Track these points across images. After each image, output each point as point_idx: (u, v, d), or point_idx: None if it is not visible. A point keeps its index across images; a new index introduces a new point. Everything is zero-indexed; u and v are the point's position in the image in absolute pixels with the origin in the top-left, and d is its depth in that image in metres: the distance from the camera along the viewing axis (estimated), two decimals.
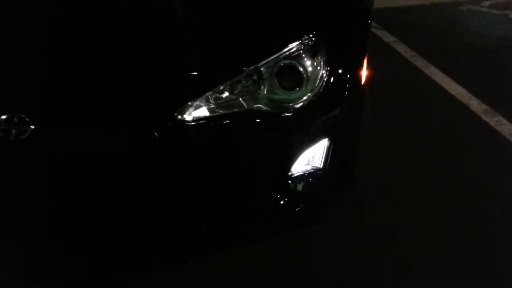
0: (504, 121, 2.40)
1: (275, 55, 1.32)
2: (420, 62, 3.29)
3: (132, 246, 1.47)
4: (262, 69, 1.31)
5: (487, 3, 4.51)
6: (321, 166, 1.43)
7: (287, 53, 1.33)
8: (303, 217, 1.48)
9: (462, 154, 2.19)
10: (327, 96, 1.35)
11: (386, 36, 3.89)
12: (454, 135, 2.34)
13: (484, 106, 2.57)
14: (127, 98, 1.29)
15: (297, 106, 1.33)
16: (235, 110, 1.30)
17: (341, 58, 1.41)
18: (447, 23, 4.08)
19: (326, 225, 1.69)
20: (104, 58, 1.33)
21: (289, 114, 1.32)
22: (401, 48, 3.61)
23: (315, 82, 1.34)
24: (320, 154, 1.42)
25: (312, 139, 1.38)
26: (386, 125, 2.40)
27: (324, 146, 1.41)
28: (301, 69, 1.32)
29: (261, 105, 1.32)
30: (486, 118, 2.46)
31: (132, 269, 1.59)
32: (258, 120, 1.31)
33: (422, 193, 1.93)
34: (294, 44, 1.33)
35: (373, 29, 3.80)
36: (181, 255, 1.58)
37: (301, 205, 1.44)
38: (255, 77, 1.31)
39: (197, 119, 1.28)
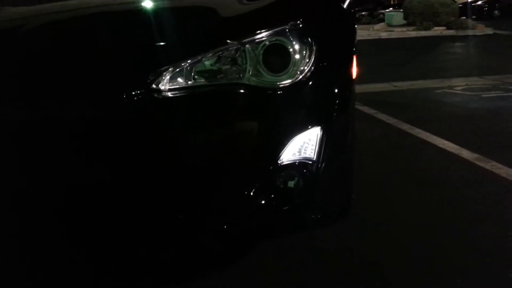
0: (500, 165, 2.30)
1: (262, 34, 1.22)
2: (404, 126, 3.28)
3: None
4: (247, 46, 1.21)
5: (460, 88, 4.77)
6: (313, 158, 1.23)
7: (274, 32, 1.24)
8: (291, 218, 1.23)
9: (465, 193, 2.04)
10: (316, 79, 1.23)
11: (368, 109, 3.96)
12: (453, 179, 2.21)
13: (476, 155, 2.49)
14: (95, 66, 1.14)
15: (283, 84, 1.19)
16: (215, 82, 1.16)
17: (330, 46, 1.32)
18: (425, 101, 4.24)
19: None
20: (73, 25, 1.22)
21: (275, 91, 1.18)
22: (384, 117, 3.65)
23: (302, 64, 1.23)
24: (312, 144, 1.24)
25: (302, 124, 1.22)
26: (384, 175, 2.30)
27: (317, 136, 1.24)
28: (289, 49, 1.22)
29: (245, 81, 1.18)
30: (480, 164, 2.36)
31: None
32: (241, 95, 1.16)
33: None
34: (282, 25, 1.25)
35: None
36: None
37: (290, 203, 1.20)
38: (238, 54, 1.20)
39: (172, 89, 1.13)
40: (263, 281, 1.49)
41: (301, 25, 1.25)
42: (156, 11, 1.29)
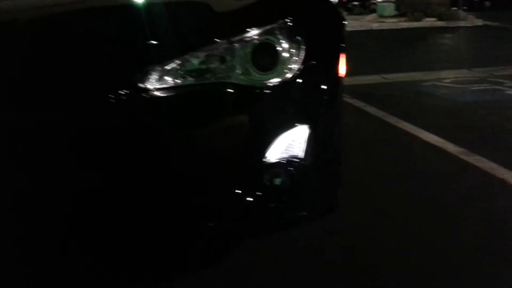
0: (484, 159, 2.35)
1: (250, 33, 1.24)
2: (391, 119, 3.33)
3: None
4: (235, 44, 1.22)
5: (448, 80, 4.83)
6: (301, 156, 1.26)
7: (263, 31, 1.25)
8: (277, 216, 1.26)
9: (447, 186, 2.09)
10: (304, 77, 1.25)
11: (356, 102, 3.99)
12: (437, 173, 2.26)
13: (461, 149, 2.54)
14: (81, 65, 1.15)
15: (272, 82, 1.21)
16: (204, 81, 1.17)
17: (319, 45, 1.34)
18: (414, 93, 4.29)
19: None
20: (57, 23, 1.22)
21: (264, 90, 1.20)
22: (372, 110, 3.69)
23: (291, 63, 1.25)
24: (300, 142, 1.26)
25: (290, 122, 1.24)
26: (368, 168, 2.33)
27: (304, 134, 1.27)
28: (277, 47, 1.24)
29: (233, 80, 1.20)
30: (464, 157, 2.41)
31: None
32: (230, 94, 1.18)
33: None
34: (271, 24, 1.26)
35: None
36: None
37: (277, 201, 1.23)
38: (227, 52, 1.21)
39: (160, 89, 1.14)
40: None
41: (290, 24, 1.26)
42: (143, 9, 1.29)
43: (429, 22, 12.76)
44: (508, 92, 4.16)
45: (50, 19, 1.34)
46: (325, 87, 1.32)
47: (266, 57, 1.23)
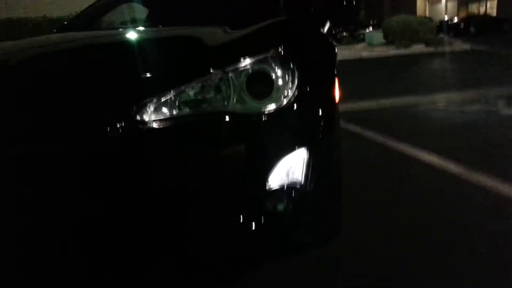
0: (485, 177, 2.33)
1: (244, 62, 1.25)
2: (390, 142, 3.32)
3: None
4: (230, 74, 1.23)
5: (442, 103, 4.88)
6: (301, 181, 1.24)
7: (257, 60, 1.26)
8: (281, 243, 1.22)
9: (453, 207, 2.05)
10: (299, 103, 1.25)
11: (353, 127, 4.00)
12: (440, 194, 2.23)
13: (462, 168, 2.53)
14: (78, 99, 1.15)
15: (268, 110, 1.21)
16: (200, 112, 1.17)
17: (312, 71, 1.35)
18: (410, 117, 4.30)
19: None
20: (56, 59, 1.22)
21: (260, 117, 1.20)
22: (369, 134, 3.69)
23: (286, 89, 1.25)
24: (299, 167, 1.25)
25: (288, 148, 1.23)
26: (369, 192, 2.30)
27: (303, 159, 1.25)
28: (271, 75, 1.25)
29: (229, 109, 1.19)
30: (466, 177, 2.39)
31: None
32: (226, 123, 1.17)
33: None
34: (264, 53, 1.28)
35: None
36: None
37: (278, 228, 1.20)
38: (222, 82, 1.22)
39: (157, 120, 1.13)
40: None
41: (282, 52, 1.28)
42: (138, 43, 1.31)
43: (417, 48, 13.08)
44: (502, 112, 4.20)
45: (49, 56, 1.36)
46: (321, 112, 1.32)
47: (260, 85, 1.24)
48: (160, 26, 1.74)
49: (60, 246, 1.10)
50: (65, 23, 2.68)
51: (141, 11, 2.69)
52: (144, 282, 1.14)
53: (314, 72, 1.35)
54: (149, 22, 2.33)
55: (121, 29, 1.82)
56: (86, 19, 2.57)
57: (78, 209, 1.09)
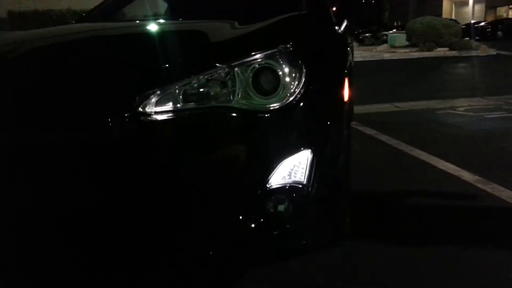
0: (501, 187, 2.25)
1: (251, 57, 1.22)
2: (405, 147, 3.25)
3: None
4: (236, 69, 1.21)
5: (462, 109, 4.75)
6: (304, 181, 1.21)
7: (264, 56, 1.24)
8: (281, 244, 1.20)
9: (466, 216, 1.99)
10: (306, 101, 1.22)
11: (369, 130, 3.94)
12: (454, 202, 2.17)
13: (477, 177, 2.45)
14: (81, 89, 1.15)
15: (273, 106, 1.19)
16: (204, 105, 1.15)
17: (320, 69, 1.32)
18: (427, 121, 4.21)
19: None
20: (59, 50, 1.23)
21: (265, 114, 1.17)
22: (385, 138, 3.62)
23: (292, 87, 1.22)
24: (302, 167, 1.22)
25: (292, 147, 1.20)
26: (382, 197, 2.25)
27: (307, 159, 1.22)
28: (278, 72, 1.22)
29: (234, 104, 1.18)
30: (481, 186, 2.32)
31: None
32: (230, 118, 1.15)
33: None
34: (272, 48, 1.25)
35: (354, 125, 3.90)
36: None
37: (280, 228, 1.18)
38: (228, 77, 1.20)
39: (160, 112, 1.12)
40: None
41: (291, 48, 1.25)
42: (147, 35, 1.30)
43: (441, 52, 12.81)
44: None
45: (59, 45, 1.37)
46: (328, 111, 1.29)
47: (267, 81, 1.21)
48: (171, 20, 1.75)
49: (58, 241, 1.10)
50: (83, 14, 2.71)
51: (158, 4, 2.72)
52: (143, 281, 1.13)
53: (323, 70, 1.32)
54: (163, 15, 2.34)
55: (133, 22, 1.82)
56: (104, 11, 2.59)
57: (77, 202, 1.09)
